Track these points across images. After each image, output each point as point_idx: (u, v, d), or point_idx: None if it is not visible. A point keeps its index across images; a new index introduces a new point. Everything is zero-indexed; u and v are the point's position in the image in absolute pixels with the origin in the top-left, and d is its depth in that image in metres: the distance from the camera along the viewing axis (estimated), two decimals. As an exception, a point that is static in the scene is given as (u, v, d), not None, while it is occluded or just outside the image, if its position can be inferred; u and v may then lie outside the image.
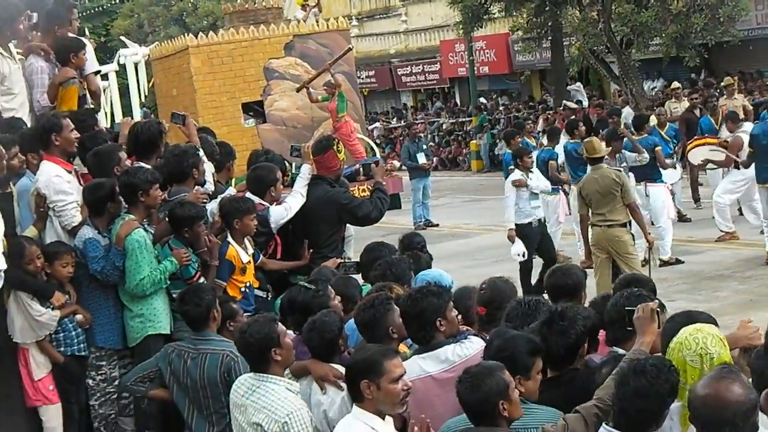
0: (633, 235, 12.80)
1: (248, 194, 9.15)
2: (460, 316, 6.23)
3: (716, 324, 4.96)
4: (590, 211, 12.82)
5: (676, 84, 24.66)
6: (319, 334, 6.18)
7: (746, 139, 15.82)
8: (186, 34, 23.76)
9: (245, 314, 7.88)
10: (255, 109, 23.17)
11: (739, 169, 16.39)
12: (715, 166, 17.51)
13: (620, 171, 13.59)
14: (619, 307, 5.64)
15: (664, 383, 4.55)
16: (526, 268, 14.65)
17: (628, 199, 12.69)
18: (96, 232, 8.05)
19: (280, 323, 6.12)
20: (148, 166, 8.37)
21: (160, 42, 27.16)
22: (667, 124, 19.33)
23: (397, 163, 22.80)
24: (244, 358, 6.29)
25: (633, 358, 4.98)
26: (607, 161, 13.80)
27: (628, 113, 25.00)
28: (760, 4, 29.63)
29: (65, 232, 8.18)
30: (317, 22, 24.05)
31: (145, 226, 8.16)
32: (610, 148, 14.81)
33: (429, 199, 23.64)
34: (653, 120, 19.27)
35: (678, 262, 15.78)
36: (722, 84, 23.32)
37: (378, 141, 36.07)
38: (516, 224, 14.61)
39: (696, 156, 17.64)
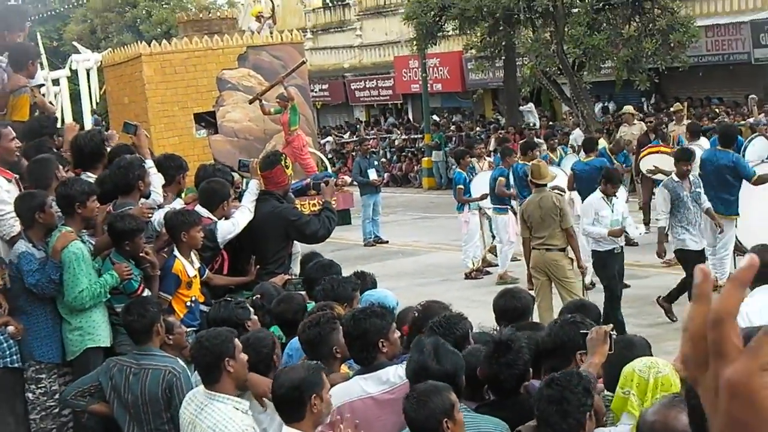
0: (571, 260, 12.91)
1: (197, 207, 9.12)
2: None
3: (650, 347, 5.06)
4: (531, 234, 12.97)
5: (628, 108, 24.85)
6: (255, 349, 6.18)
7: (699, 153, 15.96)
8: (139, 42, 23.64)
9: (190, 329, 7.85)
10: (207, 120, 23.10)
11: None
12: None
13: (561, 195, 13.73)
14: (555, 337, 5.72)
15: (576, 388, 4.71)
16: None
17: (565, 224, 12.82)
18: (30, 245, 7.93)
19: (237, 339, 6.11)
20: (87, 178, 8.29)
21: (112, 49, 27.01)
22: (623, 149, 19.49)
23: (348, 179, 22.89)
24: (196, 366, 6.26)
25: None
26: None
27: (578, 135, 25.21)
28: (710, 31, 29.98)
29: (4, 242, 8.08)
30: (271, 34, 24.04)
31: (84, 238, 8.08)
32: (555, 174, 14.98)
33: (379, 215, 23.64)
34: (602, 143, 19.42)
35: (624, 286, 15.86)
36: (671, 110, 23.53)
37: (330, 155, 36.06)
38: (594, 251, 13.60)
39: (648, 162, 17.78)
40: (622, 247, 13.33)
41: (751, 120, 24.25)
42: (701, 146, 16.39)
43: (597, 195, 13.31)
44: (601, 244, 13.11)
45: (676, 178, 13.65)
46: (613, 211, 13.02)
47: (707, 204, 13.83)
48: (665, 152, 17.78)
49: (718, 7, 31.10)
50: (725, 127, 16.99)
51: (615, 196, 13.19)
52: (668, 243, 17.02)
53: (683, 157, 13.82)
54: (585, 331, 5.59)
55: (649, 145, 19.10)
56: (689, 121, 21.56)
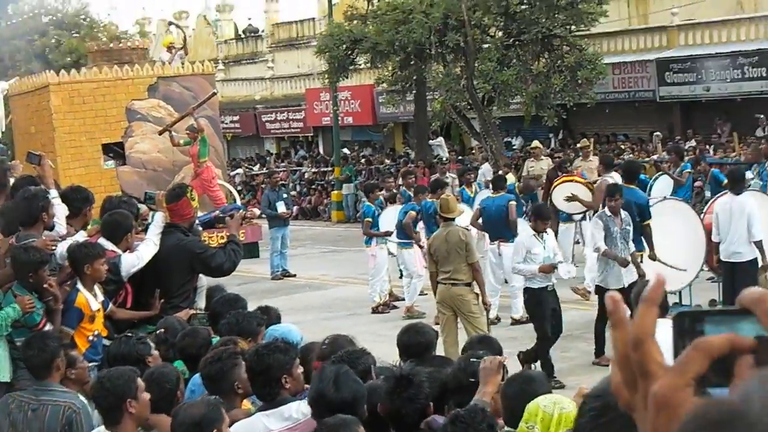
0: (477, 295, 13.00)
1: (101, 240, 9.03)
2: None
3: (549, 382, 5.13)
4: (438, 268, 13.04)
5: (536, 143, 25.17)
6: (158, 385, 6.12)
7: (612, 181, 16.18)
8: (48, 71, 23.39)
9: (92, 363, 7.75)
10: (115, 151, 22.91)
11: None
12: (578, 210, 17.80)
13: (468, 230, 13.82)
14: (460, 374, 5.76)
15: (480, 425, 4.77)
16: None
17: (471, 259, 12.91)
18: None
19: (139, 378, 6.03)
20: None
21: (20, 77, 26.69)
22: (533, 190, 19.72)
23: (257, 211, 22.83)
24: (97, 407, 6.17)
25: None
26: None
27: (487, 170, 25.43)
28: (617, 68, 30.53)
29: None
30: (182, 64, 23.97)
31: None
32: (463, 209, 15.10)
33: (287, 248, 23.55)
34: (511, 178, 19.64)
35: (529, 321, 16.00)
36: (578, 145, 23.87)
37: (239, 188, 35.93)
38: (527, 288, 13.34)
39: (562, 191, 17.91)
40: (553, 284, 13.21)
41: (655, 157, 24.73)
42: (613, 178, 16.61)
43: (528, 232, 13.25)
44: (534, 281, 13.00)
45: (609, 213, 13.57)
46: (545, 248, 12.95)
47: (634, 247, 13.79)
48: (579, 182, 17.99)
49: (625, 45, 31.69)
50: (628, 163, 17.30)
51: (545, 232, 13.11)
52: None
53: (614, 191, 13.79)
54: (477, 359, 5.64)
55: (564, 174, 19.30)
56: (596, 156, 21.92)
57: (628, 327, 1.36)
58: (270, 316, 8.05)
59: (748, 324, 1.31)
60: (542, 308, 12.95)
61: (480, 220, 16.79)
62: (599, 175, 18.25)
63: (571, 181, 18.34)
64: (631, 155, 26.54)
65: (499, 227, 16.42)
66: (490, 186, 18.15)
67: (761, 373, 1.28)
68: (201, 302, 9.43)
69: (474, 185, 21.65)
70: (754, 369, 1.31)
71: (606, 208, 13.67)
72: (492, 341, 6.84)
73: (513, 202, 16.65)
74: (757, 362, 1.31)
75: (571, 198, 17.61)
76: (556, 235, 19.95)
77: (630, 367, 1.35)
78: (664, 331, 1.40)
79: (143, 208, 11.37)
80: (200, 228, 10.47)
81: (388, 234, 17.93)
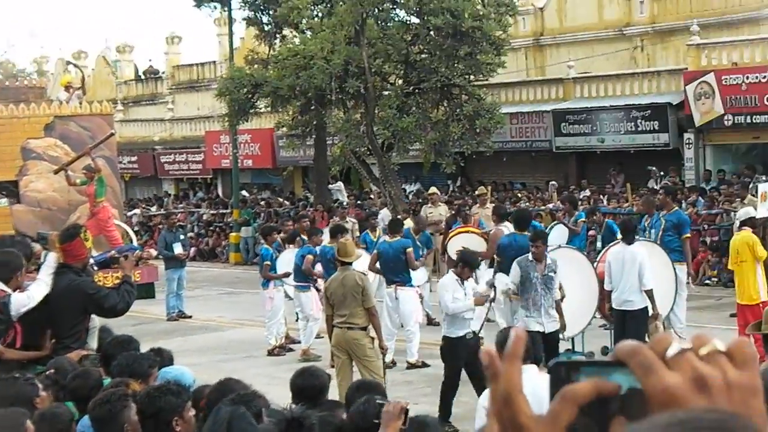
0: (373, 339, 13.04)
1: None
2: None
3: (442, 428, 5.16)
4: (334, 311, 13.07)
5: (433, 189, 25.37)
6: (51, 426, 6.03)
7: (506, 230, 16.37)
8: (-59, 107, 23.00)
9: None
10: (9, 189, 22.56)
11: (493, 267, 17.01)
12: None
13: (364, 275, 13.87)
14: (358, 417, 5.78)
15: None
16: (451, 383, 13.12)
17: (367, 303, 12.97)
18: None
19: (29, 421, 5.92)
20: None
21: None
22: (423, 230, 19.87)
23: (153, 252, 22.65)
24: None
25: None
26: None
27: (385, 215, 25.57)
28: (514, 118, 30.98)
29: None
30: (80, 104, 23.74)
31: None
32: (360, 253, 15.13)
33: (184, 289, 23.36)
34: (408, 223, 19.77)
35: (425, 365, 16.10)
36: (476, 193, 24.13)
37: (136, 228, 35.55)
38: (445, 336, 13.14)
39: (456, 243, 18.04)
40: (474, 332, 13.18)
41: (551, 206, 25.10)
42: (508, 228, 16.81)
43: (451, 277, 13.20)
44: (453, 330, 12.86)
45: (530, 258, 13.59)
46: (465, 294, 12.91)
47: (559, 294, 13.73)
48: (474, 233, 18.17)
49: (523, 96, 32.20)
50: (519, 212, 17.58)
51: (467, 279, 13.06)
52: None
53: (536, 238, 13.84)
54: (381, 402, 5.67)
55: (456, 226, 19.51)
56: (493, 204, 22.18)
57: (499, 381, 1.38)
58: (163, 357, 7.98)
59: (622, 375, 1.32)
60: (456, 357, 12.78)
61: (378, 264, 16.89)
62: (493, 225, 18.46)
63: (466, 232, 18.51)
64: (527, 203, 26.90)
65: (396, 271, 16.52)
66: (387, 230, 18.26)
67: (635, 426, 1.31)
68: (93, 343, 9.32)
69: (378, 230, 21.74)
70: (627, 424, 1.32)
71: (529, 254, 13.67)
72: (374, 385, 6.87)
73: (410, 249, 16.77)
74: (627, 416, 1.32)
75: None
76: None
77: (504, 420, 1.38)
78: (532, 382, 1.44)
79: (37, 247, 11.22)
80: (95, 268, 10.38)
81: (287, 275, 17.93)
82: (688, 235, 16.98)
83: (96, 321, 9.61)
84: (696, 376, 1.29)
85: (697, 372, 1.29)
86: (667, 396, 1.28)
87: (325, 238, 17.73)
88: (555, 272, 13.67)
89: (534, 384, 1.62)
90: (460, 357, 12.75)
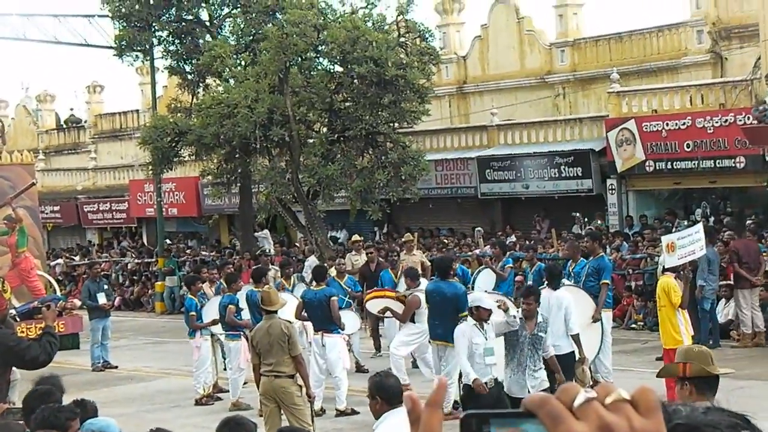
0: (300, 387, 12.98)
1: None
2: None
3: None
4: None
5: (356, 236, 25.37)
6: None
7: (422, 296, 16.42)
8: None
9: None
10: (-73, 240, 22.18)
11: (414, 322, 17.00)
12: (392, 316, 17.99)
13: (290, 323, 13.80)
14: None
15: None
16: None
17: (294, 351, 12.93)
18: None
19: None
20: None
21: None
22: (346, 275, 19.85)
23: (77, 302, 22.40)
24: None
25: None
26: None
27: (312, 262, 25.51)
28: (440, 165, 31.15)
29: None
30: (0, 154, 23.43)
31: None
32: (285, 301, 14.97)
33: (108, 339, 23.07)
34: (333, 271, 19.75)
35: (354, 412, 16.02)
36: (402, 240, 24.16)
37: (60, 278, 35.09)
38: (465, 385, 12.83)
39: (374, 305, 18.06)
40: (496, 379, 12.69)
41: (477, 251, 25.22)
42: (422, 290, 16.69)
43: (470, 323, 12.84)
44: (468, 377, 12.63)
45: (521, 315, 12.84)
46: (486, 339, 12.67)
47: (551, 351, 13.10)
48: (390, 296, 18.07)
49: (447, 143, 32.42)
50: (438, 261, 17.65)
51: (486, 321, 12.75)
52: (411, 374, 17.38)
53: (528, 293, 13.21)
54: None
55: (374, 289, 19.35)
56: (419, 251, 22.23)
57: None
58: (87, 409, 7.85)
59: (533, 425, 1.35)
60: (479, 407, 12.38)
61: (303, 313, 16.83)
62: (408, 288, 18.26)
63: (382, 296, 18.28)
64: (454, 249, 27.00)
65: (321, 318, 16.46)
66: (311, 278, 18.20)
67: None
68: (14, 396, 9.15)
69: (293, 278, 21.64)
70: None
71: (520, 310, 13.00)
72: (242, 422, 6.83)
73: (334, 298, 16.71)
74: None
75: (383, 311, 17.76)
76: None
77: None
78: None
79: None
80: (17, 319, 10.20)
81: (215, 323, 17.78)
82: (607, 281, 17.09)
83: (17, 374, 9.44)
84: (602, 424, 1.33)
85: (603, 420, 1.33)
86: None
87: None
88: (545, 332, 12.92)
89: None
90: (482, 406, 12.32)
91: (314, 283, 17.42)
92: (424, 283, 17.07)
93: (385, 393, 7.50)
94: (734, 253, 20.78)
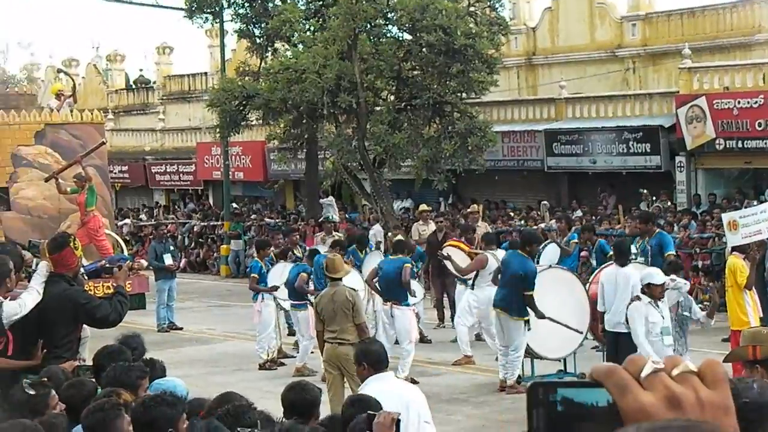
0: None
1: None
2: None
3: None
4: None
5: (424, 206, 25.34)
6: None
7: (492, 260, 16.42)
8: (-67, 113, 22.91)
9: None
10: (0, 196, 22.45)
11: (473, 289, 17.04)
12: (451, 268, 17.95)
13: (355, 290, 13.82)
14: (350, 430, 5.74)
15: None
16: None
17: (358, 320, 12.97)
18: None
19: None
20: None
21: None
22: (416, 247, 19.86)
23: (144, 262, 22.55)
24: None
25: None
26: None
27: (377, 231, 25.55)
28: (506, 137, 30.99)
29: None
30: (71, 112, 23.63)
31: None
32: (349, 269, 15.04)
33: (174, 301, 23.33)
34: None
35: (414, 382, 16.02)
36: (467, 210, 24.08)
37: (127, 238, 35.45)
38: None
39: (446, 250, 18.09)
40: None
41: (542, 225, 25.08)
42: (495, 256, 16.81)
43: (644, 300, 12.68)
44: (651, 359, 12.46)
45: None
46: (663, 317, 12.62)
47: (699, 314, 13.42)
48: (464, 249, 18.17)
49: (515, 114, 32.21)
50: (526, 231, 17.60)
51: (660, 299, 12.67)
52: (474, 346, 17.38)
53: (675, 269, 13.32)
54: (372, 413, 5.63)
55: (453, 238, 19.54)
56: (483, 223, 22.16)
57: None
58: (155, 369, 7.94)
59: (601, 395, 1.39)
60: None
61: (375, 280, 16.87)
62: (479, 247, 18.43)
63: (456, 247, 18.52)
64: (520, 222, 26.87)
65: (393, 289, 16.46)
66: (390, 249, 18.25)
67: None
68: (85, 353, 9.26)
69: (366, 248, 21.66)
70: None
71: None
72: (368, 400, 6.82)
73: (408, 265, 16.73)
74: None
75: (445, 257, 17.75)
76: (452, 299, 20.14)
77: None
78: None
79: (27, 255, 11.15)
80: (85, 277, 10.30)
81: (275, 289, 17.88)
82: (672, 252, 16.89)
83: (88, 331, 9.56)
84: (669, 395, 1.38)
85: (670, 391, 1.38)
86: (641, 414, 1.36)
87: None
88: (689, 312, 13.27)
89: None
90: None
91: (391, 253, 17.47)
92: (499, 253, 17.02)
93: (371, 359, 8.00)
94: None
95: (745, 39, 29.49)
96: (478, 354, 17.54)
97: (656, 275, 12.82)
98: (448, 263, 17.74)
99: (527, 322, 14.98)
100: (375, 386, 7.48)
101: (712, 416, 1.37)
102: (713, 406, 1.38)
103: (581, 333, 15.11)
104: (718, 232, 23.41)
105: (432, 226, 22.69)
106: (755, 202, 24.03)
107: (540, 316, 14.80)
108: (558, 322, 14.77)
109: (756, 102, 25.75)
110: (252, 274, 18.27)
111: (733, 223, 15.41)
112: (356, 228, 28.30)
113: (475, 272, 17.34)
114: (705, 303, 23.04)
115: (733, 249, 15.57)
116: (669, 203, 27.60)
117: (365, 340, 8.31)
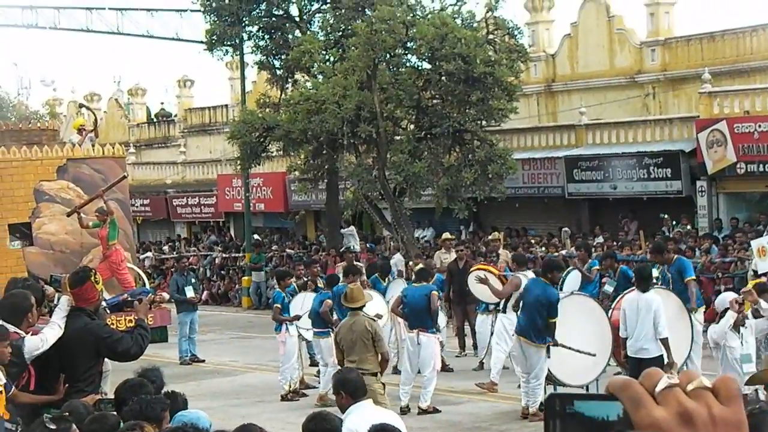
0: (384, 385, 12.97)
1: (1, 322, 8.85)
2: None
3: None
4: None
5: (447, 234, 25.30)
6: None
7: (524, 281, 16.40)
8: (-45, 149, 23.04)
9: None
10: (22, 231, 22.52)
11: (505, 312, 16.98)
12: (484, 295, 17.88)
13: (374, 320, 13.79)
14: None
15: None
16: None
17: (380, 348, 12.94)
18: None
19: None
20: None
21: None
22: (435, 274, 19.80)
23: (166, 295, 22.62)
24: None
25: None
26: None
27: (398, 260, 25.53)
28: (527, 164, 30.98)
29: None
30: (93, 147, 23.74)
31: None
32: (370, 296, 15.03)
33: (196, 333, 23.36)
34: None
35: (435, 411, 15.99)
36: (489, 238, 24.04)
37: (149, 271, 35.54)
38: None
39: (476, 274, 17.99)
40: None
41: (563, 252, 25.03)
42: (526, 276, 16.80)
43: (727, 323, 12.58)
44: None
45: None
46: (742, 344, 12.48)
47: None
48: (493, 272, 18.13)
49: (535, 142, 32.21)
50: (548, 259, 17.53)
51: (743, 326, 12.52)
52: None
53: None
54: None
55: (481, 262, 19.57)
56: (504, 251, 22.12)
57: None
58: (177, 401, 7.94)
59: (615, 408, 1.42)
60: None
61: (401, 308, 16.86)
62: (511, 270, 18.45)
63: (486, 270, 18.48)
64: (541, 249, 26.80)
65: (420, 316, 16.44)
66: (413, 276, 18.27)
67: None
68: (106, 387, 9.28)
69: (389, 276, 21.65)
70: None
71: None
72: (392, 430, 6.78)
73: (435, 292, 16.73)
74: None
75: (483, 280, 17.60)
76: (473, 327, 20.12)
77: None
78: None
79: (49, 290, 11.19)
80: (108, 311, 10.34)
81: (297, 318, 17.87)
82: (692, 277, 16.84)
83: (109, 365, 9.57)
84: (682, 410, 1.39)
85: (683, 407, 1.40)
86: (654, 429, 1.39)
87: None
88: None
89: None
90: None
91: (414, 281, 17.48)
92: (530, 273, 16.98)
93: (348, 388, 8.11)
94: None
95: (765, 62, 29.44)
96: (501, 381, 17.47)
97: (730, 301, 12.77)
98: (484, 286, 17.63)
99: (548, 349, 14.93)
100: (356, 414, 7.63)
101: None
102: (726, 422, 1.39)
103: (593, 355, 15.01)
104: (740, 256, 23.31)
105: (453, 254, 22.64)
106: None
107: (554, 343, 14.75)
108: (570, 348, 14.68)
109: (777, 125, 25.67)
110: (275, 305, 18.28)
111: (762, 250, 15.36)
112: (377, 257, 28.27)
113: (507, 295, 17.27)
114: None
115: (759, 274, 15.50)
116: (690, 228, 27.49)
117: (341, 370, 8.41)
